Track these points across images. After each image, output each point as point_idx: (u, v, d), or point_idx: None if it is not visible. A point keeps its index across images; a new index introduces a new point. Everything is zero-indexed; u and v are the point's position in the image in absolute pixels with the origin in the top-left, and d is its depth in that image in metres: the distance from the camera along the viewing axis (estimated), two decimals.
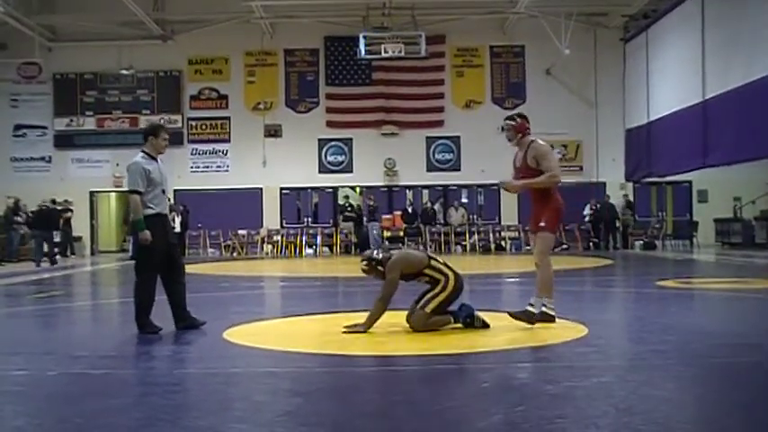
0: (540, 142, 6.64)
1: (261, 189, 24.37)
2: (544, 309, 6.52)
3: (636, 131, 23.01)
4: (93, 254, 24.14)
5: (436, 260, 6.53)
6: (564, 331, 6.30)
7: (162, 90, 24.47)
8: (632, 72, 23.26)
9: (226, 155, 24.51)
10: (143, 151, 6.71)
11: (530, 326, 6.42)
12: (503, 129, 6.72)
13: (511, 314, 6.56)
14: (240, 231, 23.40)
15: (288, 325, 7.19)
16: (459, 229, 23.62)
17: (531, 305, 6.54)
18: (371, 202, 23.02)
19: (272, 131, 24.42)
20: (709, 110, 17.54)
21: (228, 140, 24.54)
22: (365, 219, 22.61)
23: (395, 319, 6.51)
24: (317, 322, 7.36)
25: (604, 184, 24.26)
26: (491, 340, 6.04)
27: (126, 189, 6.43)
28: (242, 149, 24.19)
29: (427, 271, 6.44)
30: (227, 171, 24.45)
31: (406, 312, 6.49)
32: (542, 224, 6.61)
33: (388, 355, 5.55)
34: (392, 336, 6.17)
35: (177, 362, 5.38)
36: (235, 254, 22.80)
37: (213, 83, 24.61)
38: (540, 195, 6.62)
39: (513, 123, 6.69)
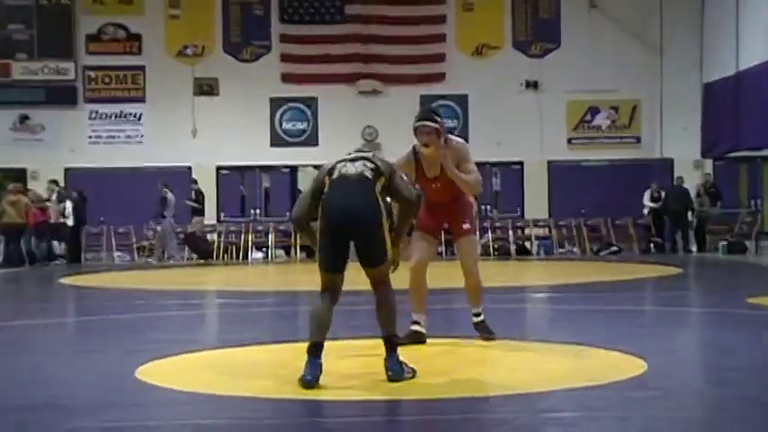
0: (458, 140, 7.48)
1: (189, 168, 24.27)
2: (481, 318, 7.49)
3: (718, 87, 23.04)
4: None
5: None
6: (613, 367, 6.30)
7: (45, 25, 24.26)
8: (715, 3, 23.31)
9: (139, 120, 24.39)
10: None
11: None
12: (416, 131, 7.18)
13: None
14: (160, 228, 23.26)
15: (227, 358, 7.17)
16: (465, 226, 23.63)
17: (477, 314, 7.53)
18: (165, 190, 22.63)
19: (206, 88, 24.32)
20: None
21: (143, 100, 24.43)
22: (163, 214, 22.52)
23: (372, 350, 6.47)
24: (268, 354, 7.36)
25: (671, 161, 24.39)
26: (511, 378, 6.03)
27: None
28: (162, 113, 24.06)
29: None
30: (140, 143, 24.32)
31: (379, 339, 6.41)
32: (467, 226, 7.61)
33: (368, 400, 5.52)
34: (372, 376, 6.14)
35: (67, 412, 5.31)
36: (152, 259, 22.66)
37: (119, 17, 24.48)
38: (459, 193, 7.45)
39: (435, 126, 7.14)
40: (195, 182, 23.29)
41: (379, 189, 5.97)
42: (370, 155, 6.20)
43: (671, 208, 22.79)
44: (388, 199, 6.14)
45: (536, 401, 5.39)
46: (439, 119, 7.23)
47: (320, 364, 5.70)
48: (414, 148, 7.29)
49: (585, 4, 24.35)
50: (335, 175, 6.01)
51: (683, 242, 22.85)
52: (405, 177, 6.38)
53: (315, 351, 5.74)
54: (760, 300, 10.82)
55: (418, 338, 7.33)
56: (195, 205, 23.13)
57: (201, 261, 22.64)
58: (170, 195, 22.27)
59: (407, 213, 6.25)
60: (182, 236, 23.09)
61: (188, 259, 22.94)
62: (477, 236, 7.78)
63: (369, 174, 5.96)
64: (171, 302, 12.67)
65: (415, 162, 7.31)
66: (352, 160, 6.10)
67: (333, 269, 5.97)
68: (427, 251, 7.54)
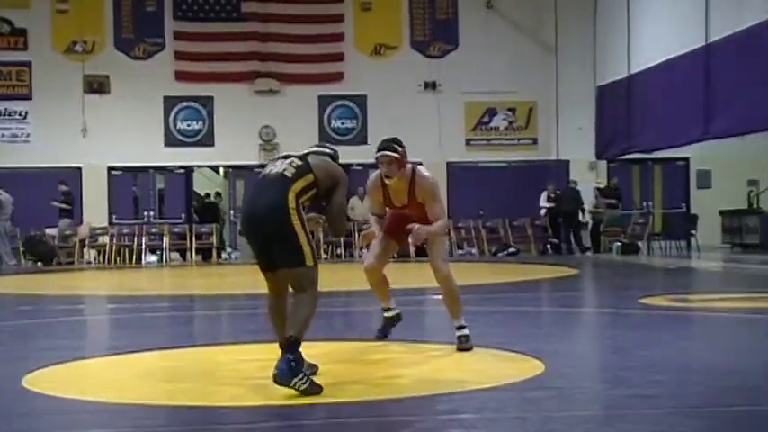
0: (425, 173, 7.31)
1: (80, 169, 23.89)
2: (467, 332, 7.23)
3: (611, 89, 23.49)
4: None
5: None
6: (510, 368, 6.39)
7: None
8: (608, 6, 23.76)
9: (25, 118, 23.88)
10: None
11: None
12: (377, 161, 7.30)
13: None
14: (48, 230, 22.82)
15: (120, 365, 7.08)
16: (365, 227, 23.68)
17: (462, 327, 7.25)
18: None
19: (96, 85, 23.95)
20: (715, 58, 17.84)
21: (29, 97, 23.93)
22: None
23: (271, 354, 6.45)
24: (162, 360, 7.32)
25: (567, 163, 24.82)
26: (410, 380, 6.10)
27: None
28: (50, 111, 23.58)
29: None
30: (26, 142, 23.79)
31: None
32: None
33: (266, 405, 5.50)
34: (271, 380, 6.12)
35: None
36: (40, 263, 22.19)
37: (3, 10, 23.95)
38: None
39: (396, 156, 7.19)
40: (63, 182, 22.86)
41: (300, 187, 5.93)
42: (309, 152, 6.44)
43: (563, 209, 23.24)
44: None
45: (436, 403, 5.44)
46: (400, 148, 7.25)
47: (279, 359, 5.55)
48: (380, 174, 7.30)
49: (482, 4, 24.63)
50: (261, 176, 6.15)
51: (577, 243, 23.27)
52: (343, 201, 6.33)
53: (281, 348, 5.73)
54: (651, 300, 11.12)
55: (394, 321, 7.73)
56: (64, 206, 22.76)
57: (42, 265, 22.19)
58: (4, 197, 21.75)
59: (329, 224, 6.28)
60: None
61: (27, 262, 22.41)
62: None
63: (289, 172, 5.96)
64: (59, 308, 12.41)
65: (382, 188, 7.34)
66: (284, 157, 6.22)
67: (260, 268, 6.09)
68: (382, 254, 7.49)
